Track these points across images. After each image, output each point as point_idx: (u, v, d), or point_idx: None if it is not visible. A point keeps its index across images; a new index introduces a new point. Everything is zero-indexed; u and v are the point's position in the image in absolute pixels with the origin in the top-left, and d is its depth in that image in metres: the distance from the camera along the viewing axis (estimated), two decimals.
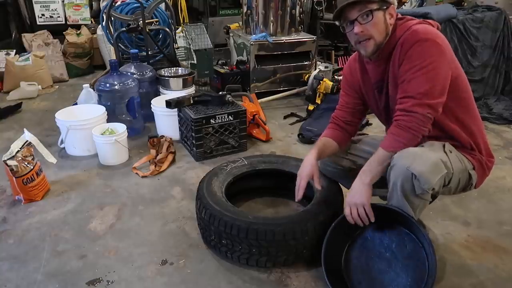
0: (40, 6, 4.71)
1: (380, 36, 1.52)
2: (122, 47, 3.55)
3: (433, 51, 1.44)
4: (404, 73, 1.48)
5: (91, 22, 4.91)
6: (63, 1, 4.77)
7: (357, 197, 1.51)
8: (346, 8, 1.49)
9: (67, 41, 4.50)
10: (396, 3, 1.54)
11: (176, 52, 3.75)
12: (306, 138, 2.95)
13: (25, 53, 4.15)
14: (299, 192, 1.75)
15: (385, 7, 1.50)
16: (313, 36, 3.86)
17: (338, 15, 1.54)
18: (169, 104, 2.68)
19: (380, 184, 1.58)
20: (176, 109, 2.77)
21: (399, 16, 1.58)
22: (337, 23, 1.60)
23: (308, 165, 1.76)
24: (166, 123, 2.92)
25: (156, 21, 3.52)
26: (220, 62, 4.05)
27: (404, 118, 1.46)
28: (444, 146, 1.56)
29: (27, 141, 2.23)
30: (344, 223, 1.59)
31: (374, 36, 1.52)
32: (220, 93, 2.88)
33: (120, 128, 2.66)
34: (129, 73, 3.08)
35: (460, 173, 1.56)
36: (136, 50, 3.27)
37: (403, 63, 1.48)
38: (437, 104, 1.45)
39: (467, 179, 1.61)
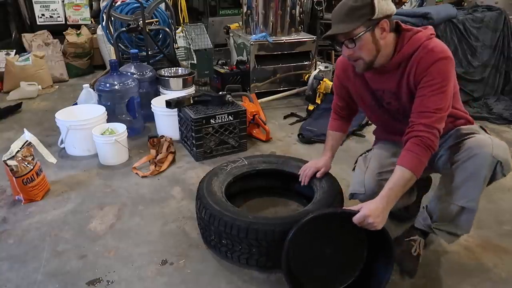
0: (40, 6, 4.71)
1: (369, 56, 1.54)
2: (122, 47, 3.55)
3: (449, 69, 1.49)
4: (424, 89, 1.50)
5: (91, 22, 4.91)
6: (63, 1, 4.77)
7: (379, 218, 1.43)
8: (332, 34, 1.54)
9: (67, 41, 4.50)
10: (389, 13, 1.50)
11: (176, 52, 3.75)
12: (306, 138, 2.95)
13: (25, 53, 4.15)
14: (305, 179, 1.96)
15: (372, 26, 1.49)
16: (313, 36, 3.86)
17: (327, 37, 1.58)
18: (169, 104, 2.68)
19: None
20: (176, 109, 2.77)
21: (404, 26, 1.57)
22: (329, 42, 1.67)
23: (322, 162, 1.96)
24: (166, 123, 2.92)
25: (156, 21, 3.52)
26: (220, 62, 4.05)
27: (427, 135, 1.46)
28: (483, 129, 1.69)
29: (27, 141, 2.23)
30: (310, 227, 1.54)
31: (363, 57, 1.55)
32: (220, 93, 2.88)
33: (120, 128, 2.66)
34: (129, 73, 3.08)
35: None
36: (136, 50, 3.27)
37: (424, 79, 1.50)
38: (445, 116, 1.51)
39: None
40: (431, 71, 1.48)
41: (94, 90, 3.04)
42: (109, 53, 4.40)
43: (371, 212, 1.43)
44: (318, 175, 1.95)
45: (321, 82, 3.40)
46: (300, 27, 3.90)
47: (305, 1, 3.81)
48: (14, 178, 2.13)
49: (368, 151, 1.91)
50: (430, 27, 1.60)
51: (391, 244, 1.52)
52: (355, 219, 1.45)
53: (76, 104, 3.11)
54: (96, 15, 4.89)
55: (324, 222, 1.57)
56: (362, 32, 1.48)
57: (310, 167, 1.97)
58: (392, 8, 1.51)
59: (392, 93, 1.64)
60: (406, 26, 1.58)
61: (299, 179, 2.00)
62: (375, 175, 1.70)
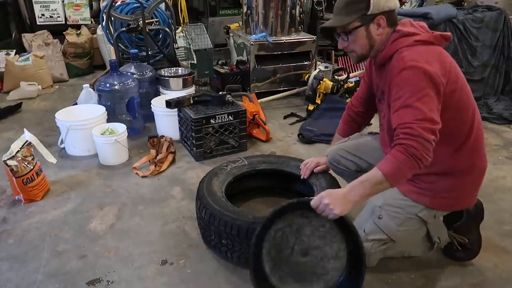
0: (40, 6, 4.71)
1: (362, 50, 1.56)
2: (122, 47, 3.54)
3: (419, 77, 1.38)
4: (396, 101, 1.42)
5: (91, 22, 4.90)
6: (63, 1, 4.76)
7: (336, 202, 1.40)
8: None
9: (67, 41, 4.50)
10: (388, 9, 1.49)
11: (176, 52, 3.75)
12: (306, 138, 2.95)
13: (25, 53, 4.15)
14: (306, 172, 1.96)
15: (367, 21, 1.50)
16: (313, 36, 3.85)
17: (323, 29, 1.61)
18: (169, 104, 2.68)
19: None
20: (176, 109, 2.77)
21: (398, 27, 1.52)
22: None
23: (324, 159, 1.96)
24: (166, 123, 2.92)
25: (156, 21, 3.52)
26: (220, 62, 4.05)
27: (412, 143, 1.33)
28: (373, 212, 1.62)
29: (27, 141, 2.23)
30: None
31: (356, 51, 1.57)
32: (220, 93, 2.88)
33: (120, 128, 2.66)
34: (129, 73, 3.08)
35: (401, 227, 1.60)
36: (136, 50, 3.27)
37: (394, 91, 1.44)
38: (436, 130, 1.36)
39: (419, 221, 1.61)
40: (398, 83, 1.42)
41: (94, 90, 3.04)
42: (109, 53, 4.40)
43: (327, 194, 1.42)
44: (316, 169, 1.96)
45: (321, 82, 3.40)
46: (300, 27, 3.90)
47: (305, 1, 3.81)
48: (14, 178, 2.13)
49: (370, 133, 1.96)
50: (422, 34, 1.49)
51: (362, 257, 1.46)
52: (312, 202, 1.43)
53: (76, 104, 3.11)
54: (96, 15, 4.89)
55: (293, 218, 1.52)
56: (356, 26, 1.50)
57: (312, 161, 1.99)
58: (393, 3, 1.50)
59: (381, 90, 1.64)
60: (402, 26, 1.53)
61: (300, 173, 2.00)
62: (340, 149, 1.88)
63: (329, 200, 1.39)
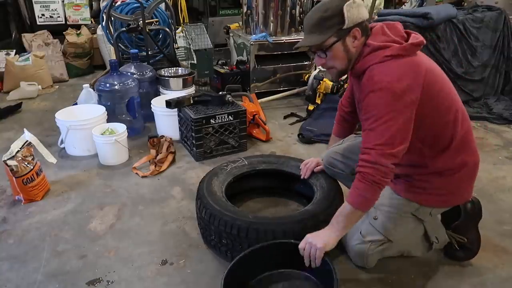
0: (40, 6, 4.71)
1: (341, 65, 1.53)
2: (122, 47, 3.54)
3: (388, 101, 1.39)
4: (365, 121, 1.46)
5: (91, 22, 4.90)
6: (63, 1, 4.76)
7: (319, 240, 1.48)
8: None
9: (67, 41, 4.50)
10: (361, 20, 1.46)
11: (176, 52, 3.75)
12: (306, 138, 2.95)
13: (25, 53, 4.15)
14: (306, 172, 1.98)
15: (343, 35, 1.46)
16: None
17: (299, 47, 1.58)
18: (169, 104, 2.68)
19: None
20: (176, 109, 2.77)
21: (369, 41, 1.47)
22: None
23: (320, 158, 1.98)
24: (166, 123, 2.92)
25: (156, 21, 3.52)
26: (220, 62, 4.05)
27: (368, 171, 1.42)
28: (369, 213, 1.62)
29: (27, 141, 2.23)
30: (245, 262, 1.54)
31: (335, 67, 1.54)
32: (220, 93, 2.88)
33: (120, 128, 2.66)
34: (129, 73, 3.08)
35: (397, 227, 1.62)
36: (136, 50, 3.27)
37: (363, 111, 1.47)
38: (398, 152, 1.42)
39: (414, 219, 1.63)
40: (367, 103, 1.44)
41: (94, 90, 3.04)
42: (109, 53, 4.40)
43: (311, 235, 1.51)
44: (317, 169, 1.97)
45: (321, 82, 3.40)
46: (300, 27, 3.90)
47: (305, 1, 3.81)
48: (14, 178, 2.13)
49: None
50: (392, 47, 1.43)
51: None
52: (300, 246, 1.51)
53: (76, 104, 3.11)
54: (96, 15, 4.89)
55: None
56: (333, 42, 1.47)
57: (312, 161, 2.00)
58: (364, 13, 1.47)
59: (357, 101, 1.63)
60: (373, 37, 1.48)
61: (300, 173, 2.01)
62: (334, 152, 1.89)
63: (312, 239, 1.49)
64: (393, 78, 1.39)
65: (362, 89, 1.48)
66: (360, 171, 1.45)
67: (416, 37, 1.48)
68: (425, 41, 1.50)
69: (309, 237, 1.51)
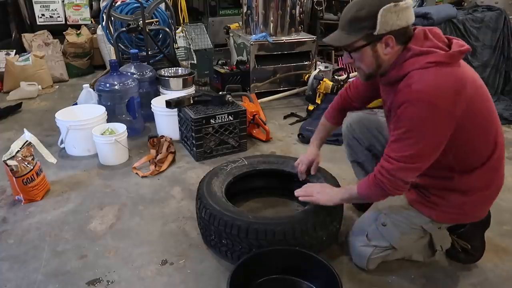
0: (40, 6, 4.71)
1: (368, 69, 1.46)
2: (122, 47, 3.54)
3: (425, 115, 1.30)
4: (394, 130, 1.40)
5: (91, 22, 4.90)
6: (63, 1, 4.76)
7: (324, 198, 1.68)
8: None
9: (67, 41, 4.49)
10: (398, 27, 1.34)
11: (176, 52, 3.75)
12: (306, 138, 2.95)
13: (25, 53, 4.14)
14: (302, 175, 1.99)
15: (374, 41, 1.37)
16: (313, 36, 3.85)
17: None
18: (169, 104, 2.68)
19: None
20: (176, 109, 2.77)
21: (411, 45, 1.37)
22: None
23: (310, 153, 1.97)
24: (166, 123, 2.92)
25: (156, 21, 3.52)
26: (220, 62, 4.05)
27: (383, 180, 1.42)
28: (378, 218, 1.64)
29: (27, 141, 2.22)
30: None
31: (362, 68, 1.48)
32: (220, 93, 2.88)
33: (120, 128, 2.66)
34: (129, 73, 3.08)
35: (404, 236, 1.61)
36: (136, 50, 3.27)
37: (394, 120, 1.40)
38: (420, 168, 1.39)
39: (422, 231, 1.61)
40: (400, 114, 1.35)
41: (94, 90, 3.04)
42: (109, 53, 4.40)
43: (320, 187, 1.72)
44: (312, 171, 1.96)
45: (321, 82, 3.40)
46: (300, 27, 3.90)
47: (305, 1, 3.81)
48: (14, 178, 2.13)
49: None
50: (436, 54, 1.33)
51: None
52: (305, 190, 1.73)
53: (76, 104, 3.11)
54: (96, 15, 4.88)
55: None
56: (361, 46, 1.39)
57: (302, 162, 1.97)
58: (405, 21, 1.34)
59: (388, 108, 1.55)
60: (415, 41, 1.37)
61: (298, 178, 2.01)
62: (363, 119, 1.90)
63: (319, 195, 1.69)
64: (435, 91, 1.28)
65: (397, 96, 1.37)
66: (376, 176, 1.44)
67: (460, 43, 1.37)
68: (470, 48, 1.41)
69: (317, 189, 1.71)
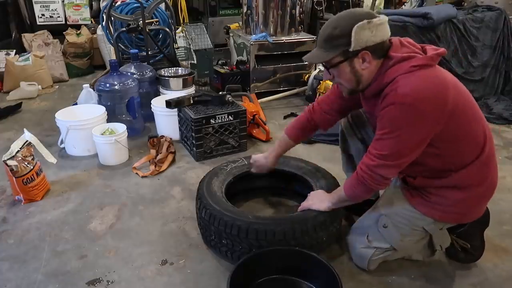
0: (40, 6, 4.71)
1: (348, 84, 1.50)
2: (122, 47, 3.54)
3: (407, 116, 1.35)
4: (378, 130, 1.45)
5: (91, 22, 4.90)
6: (63, 1, 4.76)
7: (322, 205, 1.71)
8: None
9: (67, 41, 4.50)
10: (372, 43, 1.38)
11: (176, 52, 3.75)
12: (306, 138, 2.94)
13: (25, 53, 4.14)
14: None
15: (350, 57, 1.41)
16: (313, 36, 3.85)
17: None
18: (169, 104, 2.68)
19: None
20: (176, 109, 2.77)
21: (391, 53, 1.41)
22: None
23: (268, 160, 1.99)
24: (166, 123, 2.92)
25: (156, 21, 3.52)
26: (220, 62, 4.05)
27: (364, 176, 1.48)
28: (379, 220, 1.64)
29: (27, 141, 2.23)
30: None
31: (343, 84, 1.52)
32: (220, 93, 2.88)
33: (120, 128, 2.66)
34: (129, 73, 3.08)
35: (405, 238, 1.61)
36: (136, 50, 3.27)
37: (378, 119, 1.44)
38: (402, 164, 1.44)
39: (423, 232, 1.61)
40: (383, 114, 1.40)
41: (94, 90, 3.04)
42: (109, 53, 4.40)
43: (317, 198, 1.75)
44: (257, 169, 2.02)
45: (321, 82, 3.40)
46: (300, 27, 3.90)
47: (305, 1, 3.81)
48: (14, 178, 2.13)
49: None
50: (418, 58, 1.38)
51: None
52: (304, 205, 1.76)
53: (76, 104, 3.11)
54: (96, 15, 4.89)
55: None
56: (338, 62, 1.44)
57: (259, 162, 2.01)
58: (380, 37, 1.38)
59: (375, 116, 1.58)
60: (394, 50, 1.42)
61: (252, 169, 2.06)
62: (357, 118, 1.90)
63: (317, 205, 1.72)
64: (420, 95, 1.32)
65: (384, 101, 1.40)
66: (358, 172, 1.50)
67: (435, 47, 1.44)
68: (446, 51, 1.46)
69: (315, 201, 1.73)
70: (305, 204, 1.76)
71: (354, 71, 1.45)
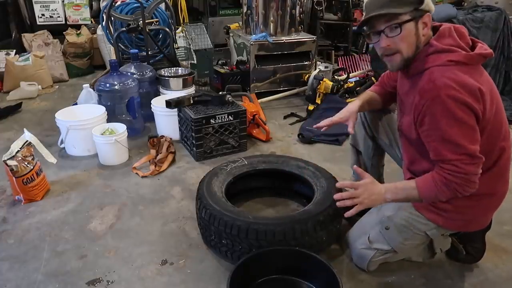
0: (40, 6, 4.71)
1: (409, 50, 1.41)
2: (122, 47, 3.54)
3: (453, 107, 1.29)
4: (433, 130, 1.36)
5: (91, 22, 4.90)
6: (63, 1, 4.76)
7: (371, 202, 1.54)
8: (373, 17, 1.39)
9: (67, 41, 4.50)
10: (433, 9, 1.38)
11: (176, 52, 3.75)
12: (306, 138, 2.95)
13: (25, 53, 4.14)
14: (322, 124, 1.85)
15: (417, 17, 1.36)
16: (313, 36, 3.86)
17: (364, 23, 1.44)
18: (169, 104, 2.68)
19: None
20: (176, 109, 2.77)
21: (433, 40, 1.39)
22: (363, 30, 1.51)
23: (346, 111, 1.80)
24: (166, 123, 2.92)
25: (156, 21, 3.52)
26: (220, 62, 4.05)
27: (455, 180, 1.35)
28: (382, 221, 1.62)
29: (27, 141, 2.23)
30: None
31: (402, 51, 1.41)
32: (220, 93, 2.88)
33: (120, 128, 2.66)
34: (129, 73, 3.08)
35: (407, 241, 1.60)
36: (136, 50, 3.27)
37: (428, 119, 1.36)
38: (480, 161, 1.35)
39: (425, 236, 1.59)
40: (433, 112, 1.32)
41: (94, 90, 3.04)
42: (109, 53, 4.40)
43: (367, 190, 1.54)
44: (349, 126, 1.78)
45: (321, 82, 3.40)
46: (300, 27, 3.90)
47: (305, 1, 3.81)
48: (14, 178, 2.13)
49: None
50: (457, 53, 1.34)
51: None
52: (339, 184, 1.70)
53: (76, 104, 3.11)
54: (96, 15, 4.88)
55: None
56: (407, 20, 1.35)
57: (332, 120, 1.82)
58: (433, 6, 1.39)
59: (400, 99, 1.54)
60: (439, 38, 1.39)
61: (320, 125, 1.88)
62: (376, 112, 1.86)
63: (365, 198, 1.53)
64: (459, 86, 1.29)
65: (420, 92, 1.36)
66: (448, 178, 1.36)
67: (484, 47, 1.38)
68: (493, 54, 1.40)
69: (364, 193, 1.53)
70: (357, 209, 1.56)
71: (417, 34, 1.38)
